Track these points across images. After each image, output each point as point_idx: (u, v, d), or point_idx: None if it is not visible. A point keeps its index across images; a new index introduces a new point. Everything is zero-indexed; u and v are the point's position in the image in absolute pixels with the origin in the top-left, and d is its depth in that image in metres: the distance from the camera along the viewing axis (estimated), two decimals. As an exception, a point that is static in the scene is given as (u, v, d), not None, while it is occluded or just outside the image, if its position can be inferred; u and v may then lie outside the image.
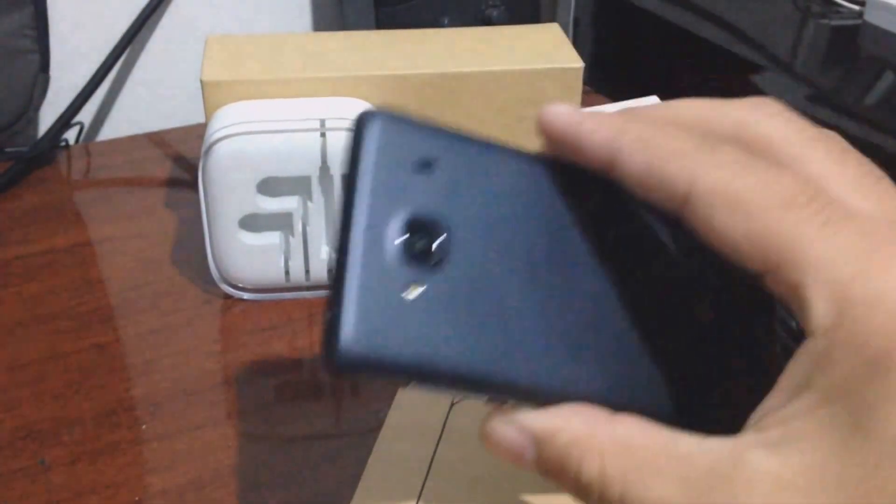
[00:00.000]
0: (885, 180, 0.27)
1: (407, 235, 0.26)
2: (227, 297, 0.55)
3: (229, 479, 0.43)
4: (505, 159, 0.28)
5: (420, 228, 0.26)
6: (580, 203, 0.29)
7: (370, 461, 0.42)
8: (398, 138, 0.26)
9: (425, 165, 0.27)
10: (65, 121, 0.73)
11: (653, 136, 0.27)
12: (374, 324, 0.25)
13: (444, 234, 0.26)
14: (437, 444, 0.42)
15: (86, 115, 0.80)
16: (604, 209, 0.29)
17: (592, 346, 0.28)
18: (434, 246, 0.26)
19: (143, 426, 0.46)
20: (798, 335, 0.24)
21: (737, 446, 0.24)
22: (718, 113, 0.28)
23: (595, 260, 0.29)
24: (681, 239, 0.29)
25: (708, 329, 0.29)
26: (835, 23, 0.81)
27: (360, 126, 0.26)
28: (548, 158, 0.29)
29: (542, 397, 0.27)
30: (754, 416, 0.25)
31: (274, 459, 0.44)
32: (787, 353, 0.25)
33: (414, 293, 0.26)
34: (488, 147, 0.28)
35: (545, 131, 0.29)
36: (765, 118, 0.28)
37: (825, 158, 0.27)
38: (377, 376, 0.26)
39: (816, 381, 0.24)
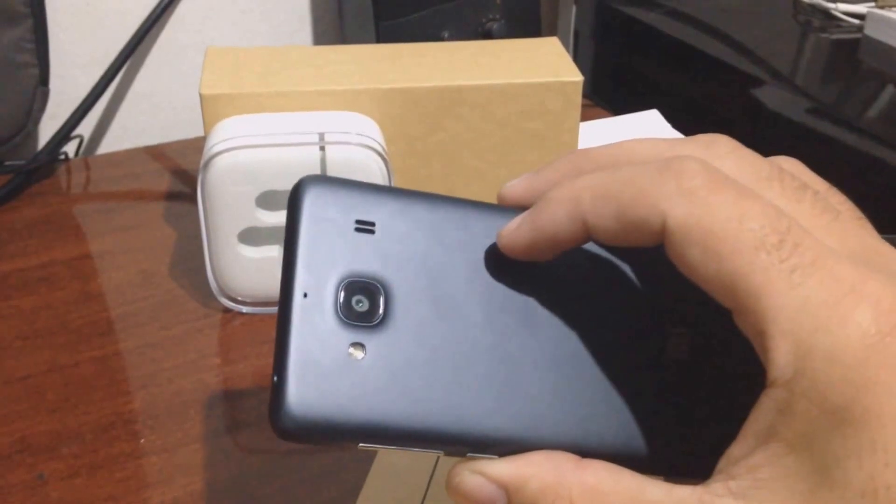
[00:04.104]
0: (843, 216, 0.26)
1: (347, 297, 0.26)
2: (227, 310, 0.55)
3: (228, 492, 0.43)
4: (446, 213, 0.28)
5: (360, 289, 0.27)
6: None
7: (370, 474, 0.41)
8: (334, 203, 0.27)
9: (363, 227, 0.27)
10: (64, 134, 0.73)
11: (611, 182, 0.26)
12: (318, 388, 0.25)
13: (384, 294, 0.27)
14: (438, 458, 0.42)
15: (85, 128, 0.80)
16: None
17: (554, 390, 0.27)
18: (374, 305, 0.27)
19: (142, 440, 0.46)
20: (761, 378, 0.24)
21: (705, 495, 0.25)
22: (670, 153, 0.28)
23: (554, 303, 0.28)
24: (654, 270, 0.29)
25: (677, 368, 0.29)
26: (835, 37, 0.81)
27: (295, 194, 0.27)
28: (495, 206, 0.29)
29: (503, 446, 0.27)
30: (721, 463, 0.25)
31: (273, 473, 0.44)
32: (753, 397, 0.25)
33: (357, 354, 0.26)
34: (428, 203, 0.28)
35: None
36: (717, 158, 0.27)
37: (780, 197, 0.26)
38: (325, 440, 0.26)
39: (781, 431, 0.24)
